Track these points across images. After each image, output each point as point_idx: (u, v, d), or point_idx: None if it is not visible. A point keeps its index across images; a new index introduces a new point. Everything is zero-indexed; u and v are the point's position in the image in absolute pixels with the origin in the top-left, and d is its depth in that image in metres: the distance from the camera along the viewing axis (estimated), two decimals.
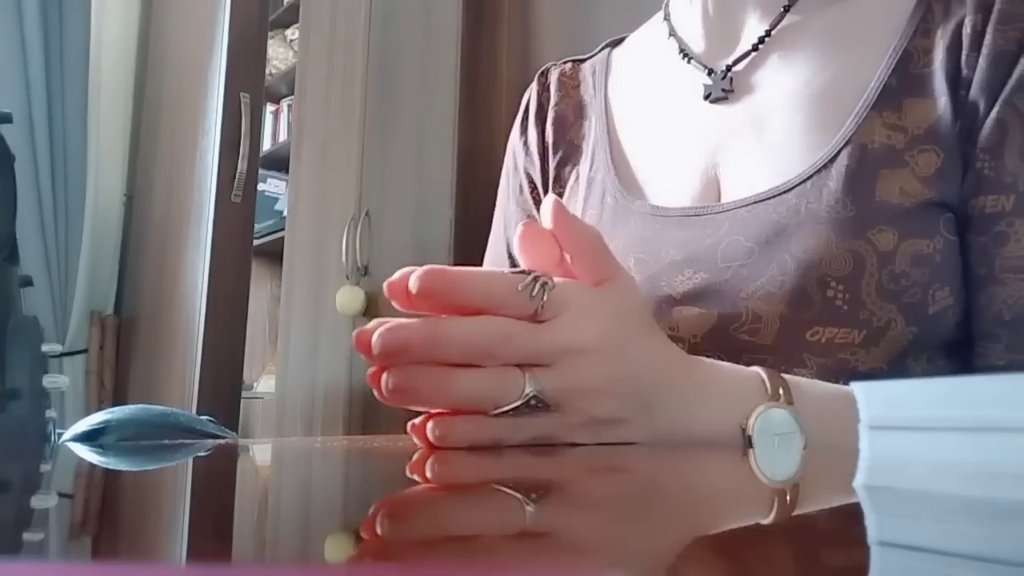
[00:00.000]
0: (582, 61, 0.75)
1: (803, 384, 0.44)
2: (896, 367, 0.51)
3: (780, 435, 0.40)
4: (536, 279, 0.39)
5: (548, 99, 0.73)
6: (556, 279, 0.40)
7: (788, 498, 0.23)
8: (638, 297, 0.43)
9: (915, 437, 0.22)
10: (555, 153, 0.71)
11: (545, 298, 0.39)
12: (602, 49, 0.74)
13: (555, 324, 0.39)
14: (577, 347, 0.39)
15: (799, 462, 0.35)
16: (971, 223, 0.52)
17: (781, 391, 0.42)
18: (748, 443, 0.40)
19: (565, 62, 0.75)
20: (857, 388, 0.23)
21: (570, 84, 0.73)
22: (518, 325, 0.38)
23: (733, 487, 0.28)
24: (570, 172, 0.70)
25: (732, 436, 0.41)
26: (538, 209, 0.72)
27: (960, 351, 0.53)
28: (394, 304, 0.40)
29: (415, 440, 0.40)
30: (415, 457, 0.36)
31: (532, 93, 0.75)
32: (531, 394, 0.38)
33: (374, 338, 0.37)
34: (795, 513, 0.22)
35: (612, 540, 0.17)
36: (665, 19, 0.68)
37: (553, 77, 0.74)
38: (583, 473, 0.32)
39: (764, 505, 0.22)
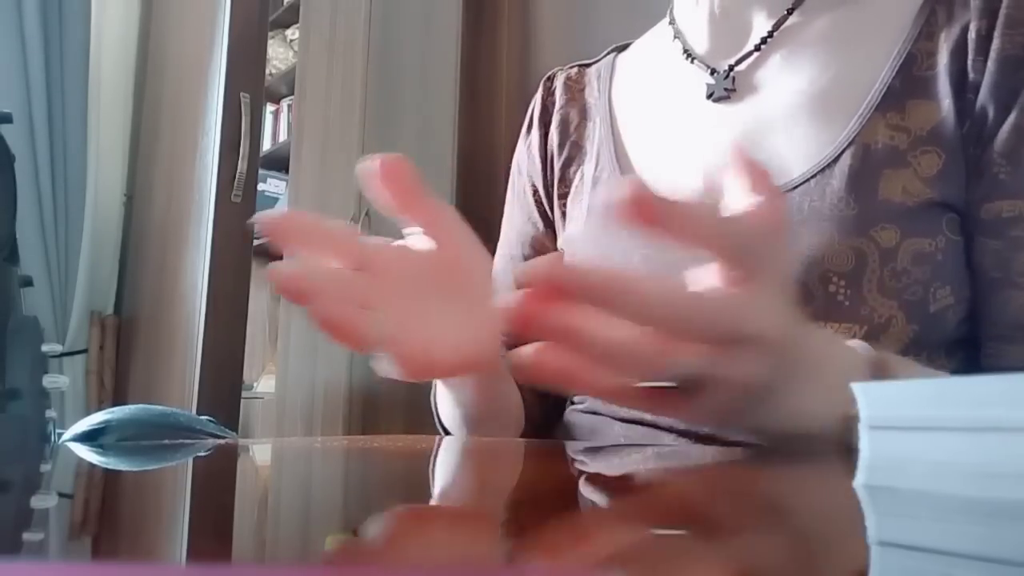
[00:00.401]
0: (588, 66, 0.75)
1: (907, 363, 0.43)
2: None
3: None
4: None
5: (553, 103, 0.74)
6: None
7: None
8: (783, 275, 0.41)
9: (915, 437, 0.22)
10: (560, 154, 0.71)
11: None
12: (607, 54, 0.75)
13: (743, 299, 0.36)
14: (759, 337, 0.36)
15: None
16: (985, 227, 0.52)
17: (887, 374, 0.40)
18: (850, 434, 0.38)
19: (571, 67, 0.76)
20: (857, 388, 0.23)
21: (576, 88, 0.74)
22: (704, 299, 0.36)
23: (718, 486, 0.28)
24: (575, 173, 0.70)
25: (834, 422, 0.38)
26: (540, 213, 0.72)
27: (960, 350, 0.53)
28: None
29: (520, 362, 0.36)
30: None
31: (537, 98, 0.76)
32: (689, 370, 0.35)
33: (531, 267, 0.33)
34: (794, 513, 0.22)
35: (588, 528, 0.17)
36: (671, 23, 0.68)
37: (559, 82, 0.75)
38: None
39: (749, 504, 0.22)
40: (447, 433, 0.63)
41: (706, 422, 0.40)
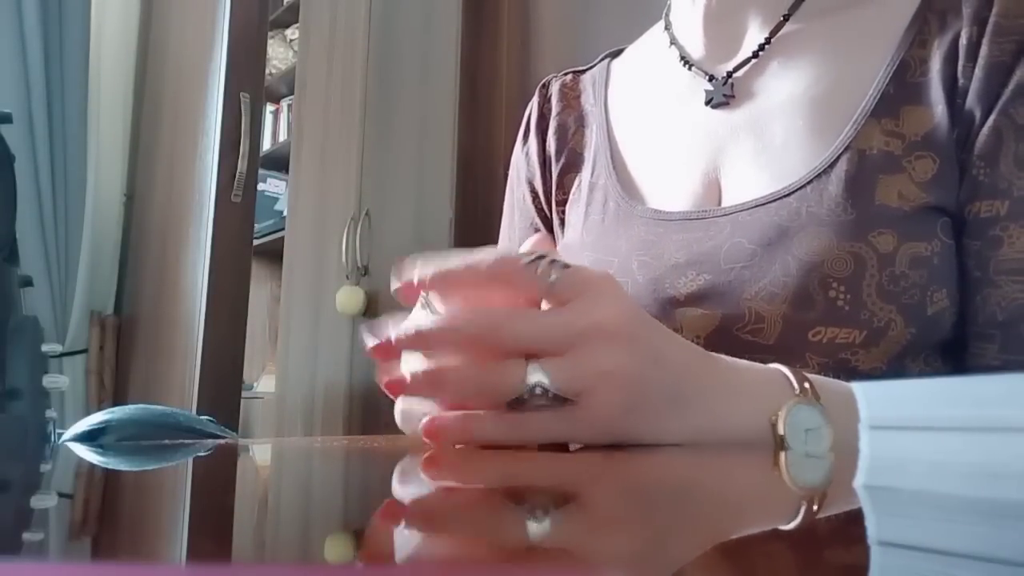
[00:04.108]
0: (582, 72, 0.76)
1: (821, 380, 0.43)
2: (894, 367, 0.52)
3: (809, 430, 0.38)
4: (542, 256, 0.37)
5: (549, 110, 0.74)
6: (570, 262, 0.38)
7: (816, 506, 0.23)
8: (639, 297, 0.43)
9: (915, 437, 0.22)
10: (557, 161, 0.71)
11: (554, 276, 0.36)
12: (601, 60, 0.75)
13: (571, 306, 0.37)
14: (596, 329, 0.36)
15: (828, 468, 0.33)
16: (967, 227, 0.53)
17: (807, 386, 0.40)
18: (780, 442, 0.38)
19: (566, 73, 0.76)
20: (857, 388, 0.23)
21: (571, 95, 0.74)
22: (518, 310, 0.37)
23: (757, 492, 0.28)
24: (572, 179, 0.70)
25: (761, 433, 0.39)
26: (541, 219, 0.72)
27: (956, 352, 0.54)
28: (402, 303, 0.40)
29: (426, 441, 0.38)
30: (422, 455, 0.36)
31: (533, 105, 0.76)
32: (536, 383, 0.35)
33: (364, 330, 0.38)
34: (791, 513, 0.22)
35: (618, 546, 0.17)
36: (666, 28, 0.68)
37: (554, 88, 0.75)
38: (594, 476, 0.32)
39: (749, 505, 0.22)
40: None
41: (607, 434, 0.37)
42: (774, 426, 0.38)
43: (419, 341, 0.37)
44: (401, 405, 0.42)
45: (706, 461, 0.35)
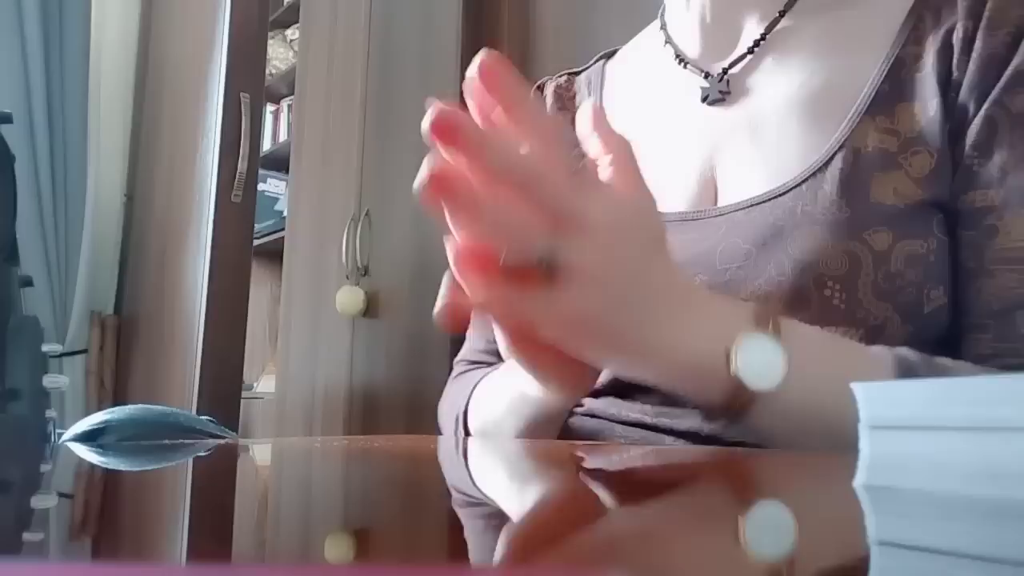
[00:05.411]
0: (577, 74, 0.76)
1: (797, 324, 0.45)
2: None
3: (765, 360, 0.41)
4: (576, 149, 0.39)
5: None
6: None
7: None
8: (657, 216, 0.44)
9: (915, 437, 0.22)
10: None
11: (584, 163, 0.38)
12: (596, 61, 0.75)
13: (588, 194, 0.39)
14: (596, 223, 0.38)
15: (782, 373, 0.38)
16: (961, 218, 0.53)
17: (771, 323, 0.42)
18: (731, 366, 0.40)
19: (560, 75, 0.76)
20: (857, 388, 0.23)
21: (566, 96, 0.74)
22: (560, 173, 0.38)
23: (719, 487, 0.28)
24: None
25: (717, 358, 0.41)
26: None
27: (954, 348, 0.54)
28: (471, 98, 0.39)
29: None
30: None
31: None
32: (548, 251, 0.37)
33: (431, 113, 0.36)
34: (793, 512, 0.22)
35: (606, 533, 0.17)
36: (661, 28, 0.68)
37: (549, 90, 0.75)
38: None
39: (749, 504, 0.22)
40: (467, 432, 0.62)
41: (580, 331, 0.40)
42: (727, 352, 0.41)
43: (467, 146, 0.37)
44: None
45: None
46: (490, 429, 0.59)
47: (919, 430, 0.22)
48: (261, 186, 2.50)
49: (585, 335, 0.40)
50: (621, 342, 0.41)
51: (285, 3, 2.71)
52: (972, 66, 0.53)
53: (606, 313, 0.39)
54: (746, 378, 0.40)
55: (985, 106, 0.52)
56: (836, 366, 0.43)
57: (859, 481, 0.23)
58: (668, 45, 0.67)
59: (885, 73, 0.56)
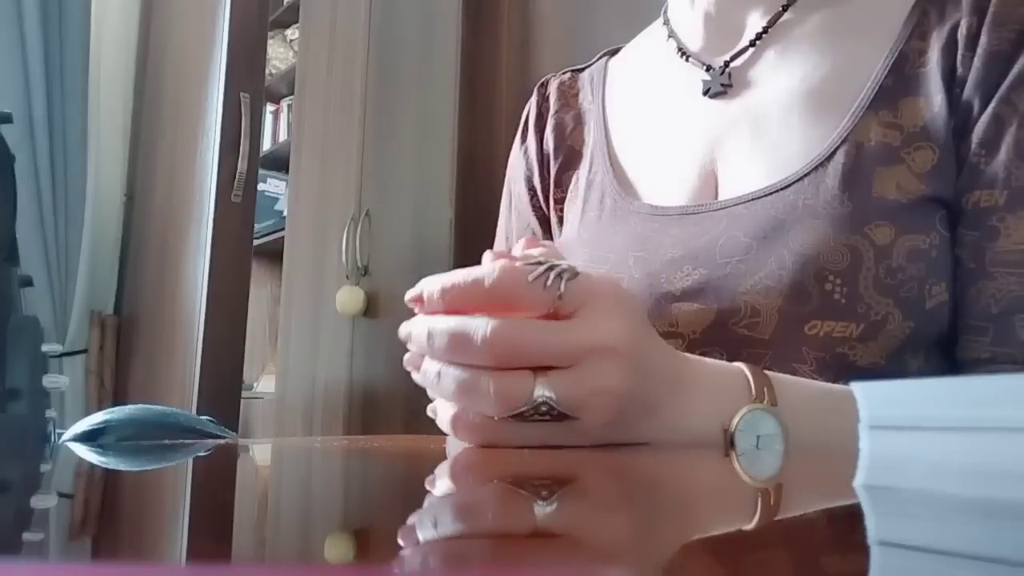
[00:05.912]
0: (580, 71, 0.76)
1: (788, 383, 0.44)
2: (894, 362, 0.51)
3: (762, 436, 0.40)
4: (551, 268, 0.37)
5: (548, 108, 0.74)
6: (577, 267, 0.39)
7: (772, 499, 0.23)
8: (630, 296, 0.43)
9: (915, 437, 0.22)
10: (555, 159, 0.71)
11: (563, 288, 0.37)
12: (599, 58, 0.75)
13: (577, 320, 0.38)
14: (601, 346, 0.37)
15: (780, 462, 0.35)
16: (964, 217, 0.53)
17: (765, 391, 0.41)
18: (731, 444, 0.40)
19: (564, 72, 0.76)
20: (857, 388, 0.23)
21: (569, 93, 0.74)
22: (526, 323, 0.37)
23: (719, 487, 0.28)
24: (570, 177, 0.70)
25: (716, 436, 0.41)
26: (539, 218, 0.72)
27: (954, 346, 0.53)
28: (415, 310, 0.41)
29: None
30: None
31: (532, 104, 0.76)
32: (541, 399, 0.36)
33: (401, 328, 0.39)
34: (792, 513, 0.22)
35: (607, 541, 0.17)
36: (664, 23, 0.68)
37: (552, 87, 0.75)
38: (581, 471, 0.32)
39: (749, 505, 0.22)
40: None
41: (594, 440, 0.39)
42: (726, 431, 0.40)
43: (433, 347, 0.38)
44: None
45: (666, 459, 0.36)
46: None
47: (919, 430, 0.22)
48: (261, 186, 2.50)
49: (603, 440, 0.40)
50: (627, 436, 0.40)
51: (285, 3, 2.71)
52: (977, 63, 0.52)
53: (623, 416, 0.39)
54: (746, 472, 0.38)
55: (992, 103, 0.52)
56: (833, 428, 0.43)
57: (859, 481, 0.23)
58: (671, 39, 0.67)
59: (889, 67, 0.55)
